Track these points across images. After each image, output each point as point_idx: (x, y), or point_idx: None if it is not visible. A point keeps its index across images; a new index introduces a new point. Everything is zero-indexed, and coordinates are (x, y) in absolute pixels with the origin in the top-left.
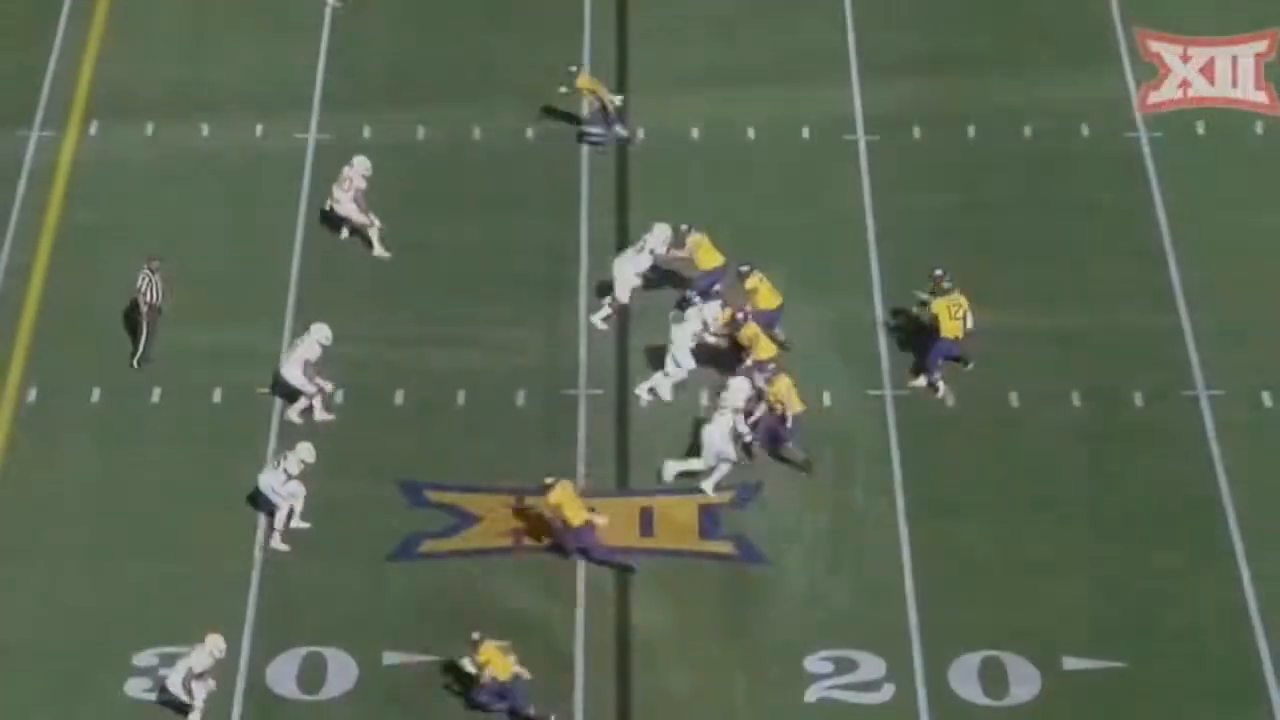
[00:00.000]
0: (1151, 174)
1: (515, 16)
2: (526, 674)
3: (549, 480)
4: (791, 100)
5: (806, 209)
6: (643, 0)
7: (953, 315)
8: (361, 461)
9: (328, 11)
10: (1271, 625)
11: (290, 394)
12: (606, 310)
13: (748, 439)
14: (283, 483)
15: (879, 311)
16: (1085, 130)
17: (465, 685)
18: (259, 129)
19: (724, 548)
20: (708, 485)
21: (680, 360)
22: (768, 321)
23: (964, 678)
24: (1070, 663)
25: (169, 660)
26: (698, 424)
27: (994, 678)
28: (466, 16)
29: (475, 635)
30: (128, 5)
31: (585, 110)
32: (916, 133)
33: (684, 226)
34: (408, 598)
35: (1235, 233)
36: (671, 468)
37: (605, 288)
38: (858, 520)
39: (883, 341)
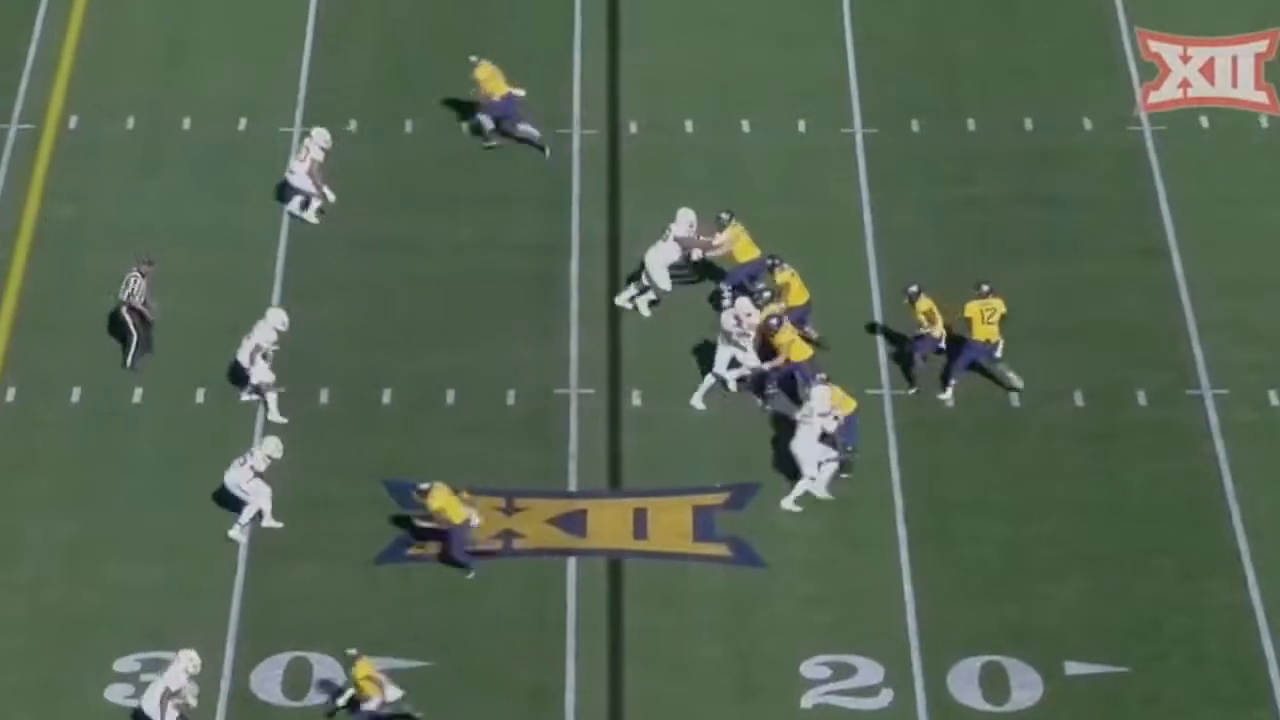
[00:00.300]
0: (1155, 168)
1: (505, 8)
2: (397, 694)
3: (424, 486)
4: (787, 93)
5: (802, 204)
6: None
7: (986, 320)
8: (348, 462)
9: (313, 5)
10: (1277, 627)
11: (258, 390)
12: (651, 295)
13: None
14: (249, 479)
15: (877, 308)
16: (1087, 124)
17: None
18: (242, 122)
19: (719, 550)
20: (819, 489)
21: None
22: (798, 318)
23: (964, 683)
24: (1073, 667)
25: (151, 665)
26: (692, 425)
27: (995, 683)
28: (456, 7)
29: (352, 651)
30: None
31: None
32: (915, 126)
33: (724, 214)
34: (396, 601)
35: (1241, 228)
36: (788, 502)
37: (621, 282)
38: (855, 522)
39: (880, 340)
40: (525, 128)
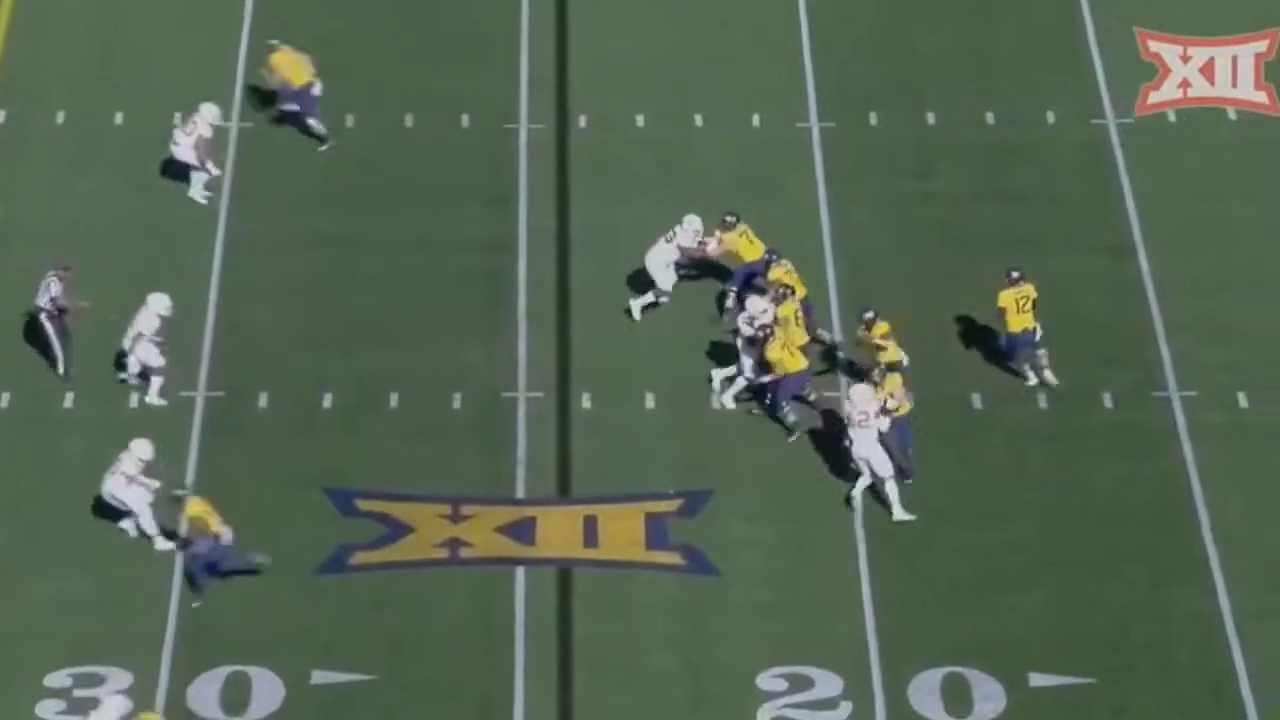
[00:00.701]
0: (1120, 163)
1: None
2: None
3: (179, 492)
4: (742, 86)
5: (758, 200)
6: None
7: (1021, 308)
8: (287, 469)
9: None
10: (1246, 637)
11: (143, 375)
12: (649, 299)
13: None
14: (124, 487)
15: (834, 306)
16: (1050, 118)
17: None
18: (177, 117)
19: (672, 558)
20: (897, 512)
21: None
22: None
23: (925, 695)
24: (1037, 679)
25: (83, 680)
26: (644, 429)
27: (956, 695)
28: (398, 1)
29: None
30: None
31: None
32: (873, 120)
33: (729, 217)
34: (338, 613)
35: (1209, 224)
36: (898, 512)
37: (639, 280)
38: (812, 529)
39: (838, 339)
40: (314, 122)
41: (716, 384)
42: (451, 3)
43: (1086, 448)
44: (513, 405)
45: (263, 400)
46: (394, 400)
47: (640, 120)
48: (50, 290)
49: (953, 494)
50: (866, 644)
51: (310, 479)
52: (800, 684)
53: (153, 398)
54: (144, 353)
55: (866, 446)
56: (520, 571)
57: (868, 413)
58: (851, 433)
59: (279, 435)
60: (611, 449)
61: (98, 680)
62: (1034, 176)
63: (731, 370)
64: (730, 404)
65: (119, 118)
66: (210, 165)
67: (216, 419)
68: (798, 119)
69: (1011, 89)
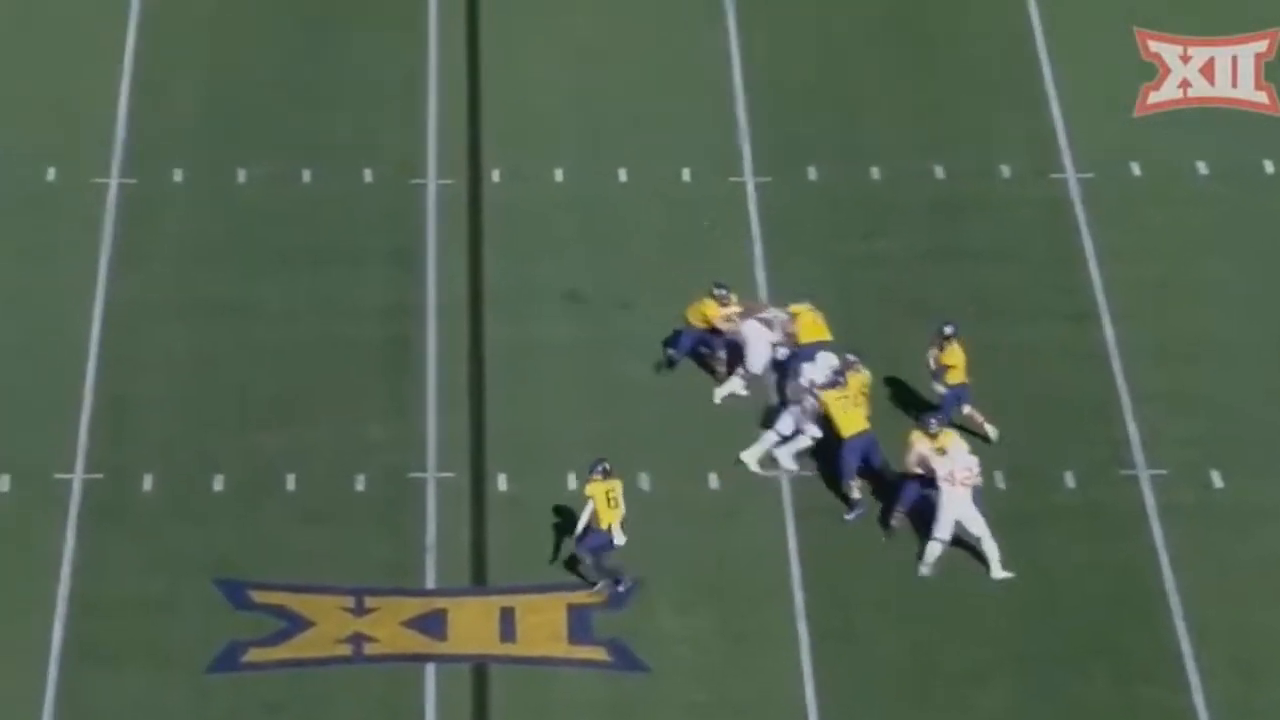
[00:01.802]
0: (1081, 221)
1: (351, 42)
2: None
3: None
4: (670, 137)
5: (688, 261)
6: (497, 23)
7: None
8: (175, 557)
9: (131, 37)
10: None
11: None
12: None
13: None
14: None
15: (771, 377)
16: (1005, 171)
17: None
18: (51, 173)
19: (597, 654)
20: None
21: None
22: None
23: None
24: None
25: None
26: (565, 512)
27: None
28: (295, 45)
29: None
30: None
31: None
32: (813, 174)
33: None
34: (230, 715)
35: (1177, 286)
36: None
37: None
38: (749, 621)
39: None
40: None
41: (753, 465)
42: (352, 47)
43: (1047, 531)
44: (421, 486)
45: (147, 482)
46: (291, 482)
47: (559, 174)
48: None
49: (902, 582)
50: None
51: (200, 568)
52: None
53: None
54: None
55: (964, 508)
56: (430, 669)
57: (971, 469)
58: (949, 490)
59: (165, 521)
60: (530, 533)
61: None
62: (988, 235)
63: (798, 446)
64: (792, 464)
65: None
66: None
67: (96, 503)
68: (732, 173)
69: (962, 140)
